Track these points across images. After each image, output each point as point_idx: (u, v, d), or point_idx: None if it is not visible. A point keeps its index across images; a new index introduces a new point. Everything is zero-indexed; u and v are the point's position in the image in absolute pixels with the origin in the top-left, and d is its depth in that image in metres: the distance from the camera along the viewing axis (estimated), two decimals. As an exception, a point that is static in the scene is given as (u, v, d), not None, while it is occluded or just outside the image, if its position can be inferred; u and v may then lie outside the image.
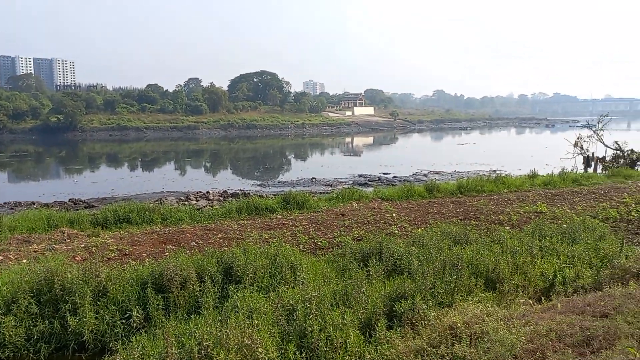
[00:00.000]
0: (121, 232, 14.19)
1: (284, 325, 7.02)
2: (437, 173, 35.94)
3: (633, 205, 18.42)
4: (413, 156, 49.57)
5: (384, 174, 36.57)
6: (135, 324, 7.91)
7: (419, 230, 14.17)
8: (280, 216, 16.53)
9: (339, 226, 14.90)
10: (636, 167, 30.47)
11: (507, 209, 17.62)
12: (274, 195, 21.32)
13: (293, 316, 7.26)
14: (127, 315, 8.08)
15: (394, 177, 34.83)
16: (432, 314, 7.40)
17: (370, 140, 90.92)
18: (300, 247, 12.39)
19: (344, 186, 25.81)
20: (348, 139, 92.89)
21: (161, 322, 7.85)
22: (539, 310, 6.69)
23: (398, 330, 7.16)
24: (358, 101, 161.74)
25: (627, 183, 24.22)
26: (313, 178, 35.43)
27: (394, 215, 16.53)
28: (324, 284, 9.08)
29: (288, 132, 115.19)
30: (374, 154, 62.29)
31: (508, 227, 14.89)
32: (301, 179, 35.08)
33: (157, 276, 8.83)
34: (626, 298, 6.05)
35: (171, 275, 8.57)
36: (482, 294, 8.79)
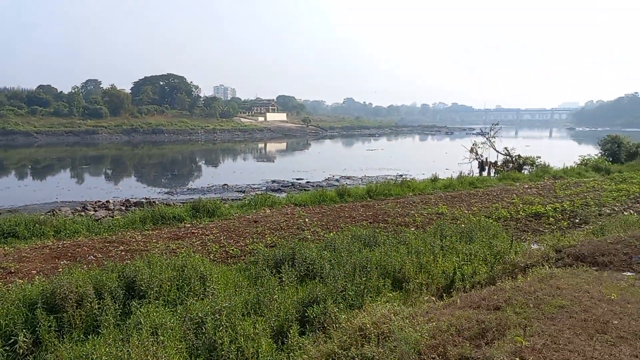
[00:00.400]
0: (6, 248, 12.72)
1: (192, 340, 6.70)
2: (348, 178, 36.94)
3: (521, 205, 20.33)
4: (325, 162, 50.53)
5: (297, 179, 36.83)
6: (21, 350, 7.08)
7: (331, 234, 14.40)
8: (189, 225, 15.89)
9: (252, 233, 14.68)
10: (523, 171, 33.75)
11: (412, 211, 18.56)
12: (182, 203, 20.48)
13: (202, 329, 6.95)
14: (12, 340, 7.21)
15: (307, 182, 35.21)
16: (343, 316, 7.52)
17: (283, 146, 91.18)
18: (211, 257, 11.99)
19: (257, 192, 25.53)
20: (261, 145, 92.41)
21: (53, 346, 7.10)
22: (441, 307, 7.07)
23: (310, 335, 7.17)
24: (270, 107, 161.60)
25: (515, 185, 26.69)
26: (225, 184, 34.63)
27: (306, 220, 16.65)
28: (235, 294, 8.83)
29: (198, 137, 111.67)
30: (287, 159, 62.61)
31: (413, 229, 15.68)
32: (212, 186, 34.11)
33: (48, 295, 7.98)
34: (515, 291, 6.61)
35: (65, 293, 7.79)
36: (390, 294, 9.13)
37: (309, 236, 14.42)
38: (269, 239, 14.00)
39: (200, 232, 14.81)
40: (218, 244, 13.28)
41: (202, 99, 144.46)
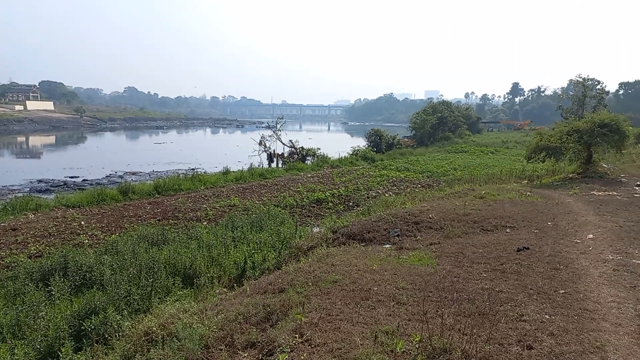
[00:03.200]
0: None
1: None
2: (133, 174, 34.23)
3: (305, 193, 22.09)
4: (106, 157, 45.67)
5: (71, 177, 32.38)
6: None
7: (113, 236, 13.16)
8: None
9: (9, 244, 12.33)
10: (306, 161, 36.72)
11: (205, 205, 18.33)
12: None
13: None
14: None
15: (84, 180, 31.28)
16: (127, 323, 6.96)
17: (52, 139, 78.74)
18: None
19: (16, 195, 21.49)
20: (21, 139, 77.98)
21: None
22: (232, 297, 7.16)
23: (88, 350, 6.42)
24: (32, 94, 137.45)
25: (300, 175, 28.87)
26: (-33, 189, 28.13)
27: (82, 223, 14.81)
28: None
29: None
30: (58, 155, 54.42)
31: (205, 223, 15.49)
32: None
33: None
34: (297, 272, 7.14)
35: None
36: (181, 292, 8.84)
37: (86, 240, 12.89)
38: (33, 248, 11.98)
39: None
40: (-40, 262, 10.74)
41: None
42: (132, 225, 14.76)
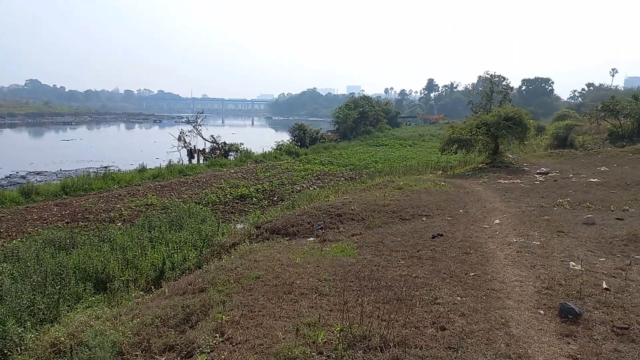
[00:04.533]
0: None
1: None
2: (38, 174, 31.45)
3: (228, 189, 21.63)
4: (5, 155, 41.59)
5: (-38, 179, 29.12)
6: None
7: (14, 242, 12.01)
8: None
9: None
10: (229, 157, 35.95)
11: (119, 205, 17.32)
12: None
13: None
14: None
15: (-22, 182, 28.25)
16: (30, 335, 6.37)
17: None
18: None
19: None
20: None
21: None
22: (149, 300, 6.82)
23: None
24: None
25: (223, 170, 28.22)
26: None
27: (-24, 229, 13.37)
28: None
29: None
30: (-54, 155, 48.72)
31: (120, 224, 14.65)
32: None
33: None
34: (219, 270, 6.96)
35: None
36: (92, 298, 8.28)
37: (-19, 248, 11.63)
38: None
39: None
40: None
41: None
42: (36, 229, 13.57)
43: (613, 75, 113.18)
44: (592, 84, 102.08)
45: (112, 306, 7.45)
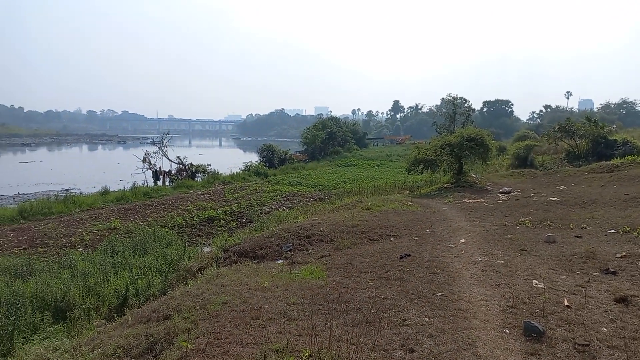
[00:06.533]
0: None
1: None
2: (-7, 198, 30.14)
3: (195, 211, 21.27)
4: (-42, 179, 39.61)
5: None
6: None
7: (-35, 270, 11.37)
8: None
9: None
10: (196, 178, 35.43)
11: (80, 230, 16.73)
12: None
13: None
14: None
15: None
16: (-19, 372, 6.02)
17: None
18: None
19: None
20: None
21: None
22: (111, 329, 6.55)
23: None
24: None
25: (189, 192, 27.75)
26: None
27: None
28: None
29: None
30: None
31: (81, 249, 14.15)
32: None
33: None
34: (184, 296, 6.77)
35: None
36: (51, 328, 7.91)
37: None
38: None
39: None
40: None
41: None
42: (-10, 256, 12.91)
43: (568, 98, 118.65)
44: (549, 105, 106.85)
45: (71, 336, 7.13)
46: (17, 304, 8.03)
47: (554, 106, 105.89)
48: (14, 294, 8.40)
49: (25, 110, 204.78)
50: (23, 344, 7.02)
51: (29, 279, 10.21)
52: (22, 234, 15.90)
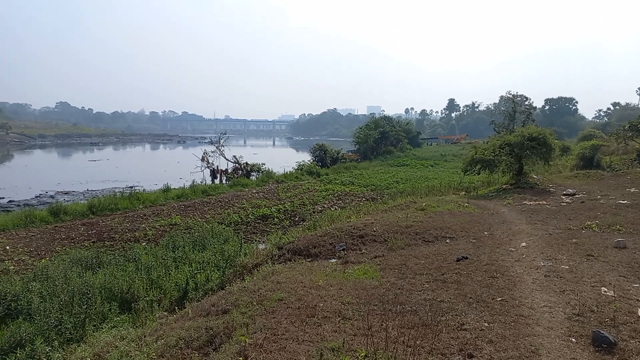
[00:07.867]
0: None
1: None
2: (66, 193, 32.36)
3: (250, 209, 21.79)
4: (35, 176, 42.88)
5: (-5, 198, 30.10)
6: None
7: (43, 261, 12.30)
8: None
9: None
10: (251, 177, 36.29)
11: (143, 225, 17.60)
12: None
13: None
14: None
15: (10, 201, 29.15)
16: (57, 355, 6.48)
17: (-29, 158, 73.04)
18: None
19: None
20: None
21: None
22: (172, 321, 6.85)
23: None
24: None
25: (245, 190, 28.46)
26: None
27: (7, 248, 13.75)
28: None
29: None
30: (-20, 175, 50.49)
31: (144, 243, 14.86)
32: None
33: None
34: (242, 292, 6.97)
35: None
36: (117, 318, 8.37)
37: (12, 267, 11.97)
38: (-51, 277, 10.93)
39: None
40: None
41: None
42: (64, 248, 13.88)
43: (639, 94, 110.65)
44: (618, 103, 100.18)
45: (136, 326, 7.52)
46: (88, 294, 8.57)
47: (623, 103, 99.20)
48: (86, 284, 8.97)
49: (94, 112, 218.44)
50: (94, 332, 7.47)
51: (97, 270, 10.87)
52: (91, 228, 16.96)
